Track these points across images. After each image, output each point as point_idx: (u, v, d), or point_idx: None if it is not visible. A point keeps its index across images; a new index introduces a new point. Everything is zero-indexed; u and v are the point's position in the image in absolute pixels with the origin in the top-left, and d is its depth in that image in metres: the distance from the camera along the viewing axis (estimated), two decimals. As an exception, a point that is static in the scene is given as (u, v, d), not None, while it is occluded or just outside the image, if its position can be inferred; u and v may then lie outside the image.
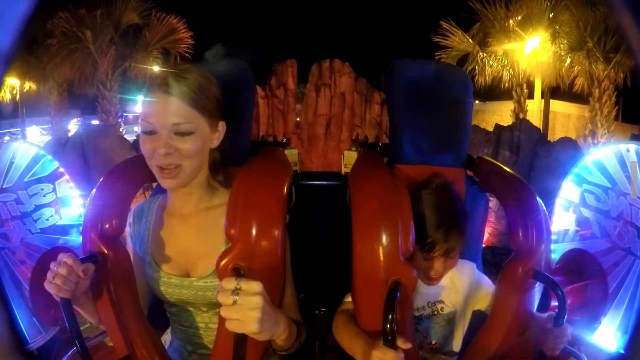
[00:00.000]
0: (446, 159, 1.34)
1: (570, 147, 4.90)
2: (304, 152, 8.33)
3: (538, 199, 1.18)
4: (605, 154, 2.27)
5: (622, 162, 2.18)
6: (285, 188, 1.06)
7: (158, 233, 1.13)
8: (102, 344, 1.16)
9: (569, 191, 2.42)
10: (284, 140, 1.55)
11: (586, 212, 2.35)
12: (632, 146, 2.15)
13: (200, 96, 1.00)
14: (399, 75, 1.35)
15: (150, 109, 0.98)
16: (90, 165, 4.59)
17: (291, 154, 1.40)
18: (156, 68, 8.57)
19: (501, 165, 1.32)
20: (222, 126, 1.07)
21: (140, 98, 1.01)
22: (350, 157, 1.50)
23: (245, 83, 1.24)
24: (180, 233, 1.11)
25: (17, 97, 10.57)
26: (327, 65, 8.76)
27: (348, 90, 8.64)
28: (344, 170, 1.49)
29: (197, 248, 1.09)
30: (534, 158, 5.00)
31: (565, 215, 2.44)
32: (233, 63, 1.26)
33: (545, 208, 1.20)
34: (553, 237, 2.42)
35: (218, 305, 0.82)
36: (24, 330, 2.13)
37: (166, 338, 1.24)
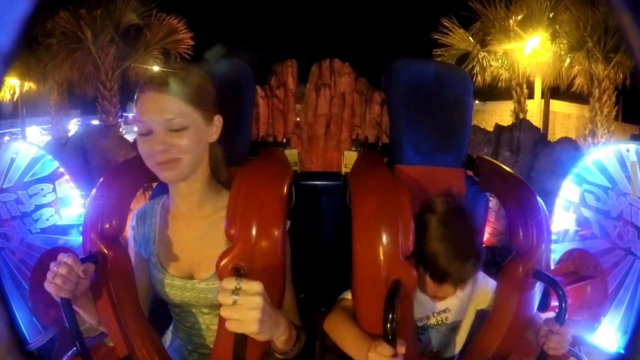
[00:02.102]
0: (446, 159, 1.34)
1: (570, 147, 4.89)
2: (304, 152, 8.32)
3: (538, 198, 1.18)
4: (605, 154, 2.27)
5: (622, 162, 2.18)
6: (285, 188, 1.06)
7: (163, 235, 1.13)
8: (102, 344, 1.16)
9: (569, 191, 2.42)
10: (284, 140, 1.54)
11: (586, 212, 2.35)
12: (632, 146, 2.15)
13: (192, 91, 1.00)
14: (399, 75, 1.35)
15: (144, 108, 0.99)
16: (90, 165, 4.59)
17: (291, 154, 1.39)
18: (156, 68, 8.57)
19: (501, 165, 1.32)
20: (218, 120, 1.06)
21: (135, 99, 1.02)
22: (350, 157, 1.49)
23: (245, 83, 1.24)
24: (183, 235, 1.11)
25: (17, 97, 10.58)
26: (327, 65, 8.74)
27: (348, 90, 8.63)
28: (344, 170, 1.48)
29: (200, 250, 1.09)
30: (534, 158, 4.99)
31: (565, 215, 2.44)
32: (233, 63, 1.26)
33: (545, 208, 1.20)
34: (553, 237, 2.42)
35: (219, 306, 0.82)
36: (24, 330, 2.13)
37: (166, 338, 1.24)
